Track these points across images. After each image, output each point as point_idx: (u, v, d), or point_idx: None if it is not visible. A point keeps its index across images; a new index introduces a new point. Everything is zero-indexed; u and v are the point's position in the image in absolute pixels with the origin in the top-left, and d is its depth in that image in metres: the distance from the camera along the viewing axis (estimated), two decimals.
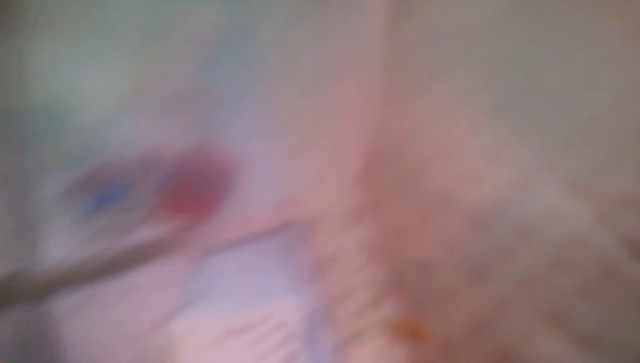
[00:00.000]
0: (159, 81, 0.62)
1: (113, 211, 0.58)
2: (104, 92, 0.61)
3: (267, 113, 0.63)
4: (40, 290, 0.55)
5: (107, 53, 0.62)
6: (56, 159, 0.57)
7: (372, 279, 0.59)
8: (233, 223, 0.60)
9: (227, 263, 0.58)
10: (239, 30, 0.64)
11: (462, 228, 0.85)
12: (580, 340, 0.80)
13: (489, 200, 0.86)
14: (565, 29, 0.96)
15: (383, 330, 0.58)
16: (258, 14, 0.64)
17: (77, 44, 0.62)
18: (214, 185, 0.60)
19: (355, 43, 0.71)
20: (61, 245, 0.56)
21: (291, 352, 0.55)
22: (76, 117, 0.60)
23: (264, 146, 0.61)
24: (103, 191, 0.58)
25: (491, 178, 0.87)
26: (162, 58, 0.62)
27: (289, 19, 0.65)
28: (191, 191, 0.60)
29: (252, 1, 0.63)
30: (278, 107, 0.64)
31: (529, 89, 0.92)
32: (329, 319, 0.56)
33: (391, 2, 0.84)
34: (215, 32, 0.63)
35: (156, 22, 0.63)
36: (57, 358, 0.54)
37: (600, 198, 0.86)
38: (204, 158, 0.61)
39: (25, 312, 0.53)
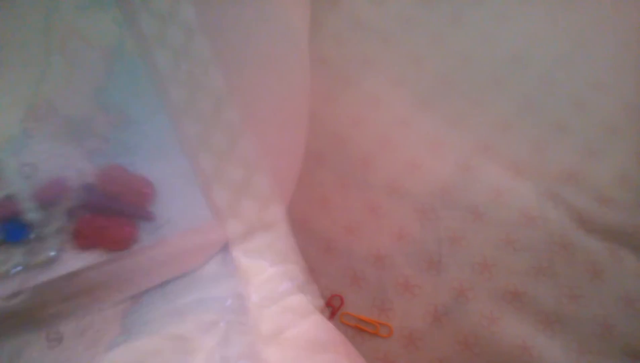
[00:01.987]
0: (57, 104, 0.59)
1: (21, 248, 0.54)
2: None
3: (177, 135, 0.60)
4: None
5: None
6: None
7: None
8: (153, 249, 0.56)
9: (157, 299, 0.55)
10: (140, 45, 0.61)
11: (411, 218, 0.85)
12: (543, 318, 0.80)
13: (435, 188, 0.86)
14: (489, 8, 0.97)
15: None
16: (158, 25, 0.61)
17: None
18: (127, 211, 0.57)
19: (278, 41, 0.69)
20: None
21: None
22: None
23: (177, 168, 0.59)
24: (4, 226, 0.53)
25: (434, 165, 0.87)
26: (58, 79, 0.60)
27: (192, 25, 0.62)
28: (103, 220, 0.56)
29: (151, 12, 0.60)
30: (190, 127, 0.61)
31: (459, 74, 0.93)
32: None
33: None
34: (114, 48, 0.60)
35: (50, 38, 0.60)
36: None
37: (543, 175, 0.87)
38: (113, 183, 0.58)
39: None
